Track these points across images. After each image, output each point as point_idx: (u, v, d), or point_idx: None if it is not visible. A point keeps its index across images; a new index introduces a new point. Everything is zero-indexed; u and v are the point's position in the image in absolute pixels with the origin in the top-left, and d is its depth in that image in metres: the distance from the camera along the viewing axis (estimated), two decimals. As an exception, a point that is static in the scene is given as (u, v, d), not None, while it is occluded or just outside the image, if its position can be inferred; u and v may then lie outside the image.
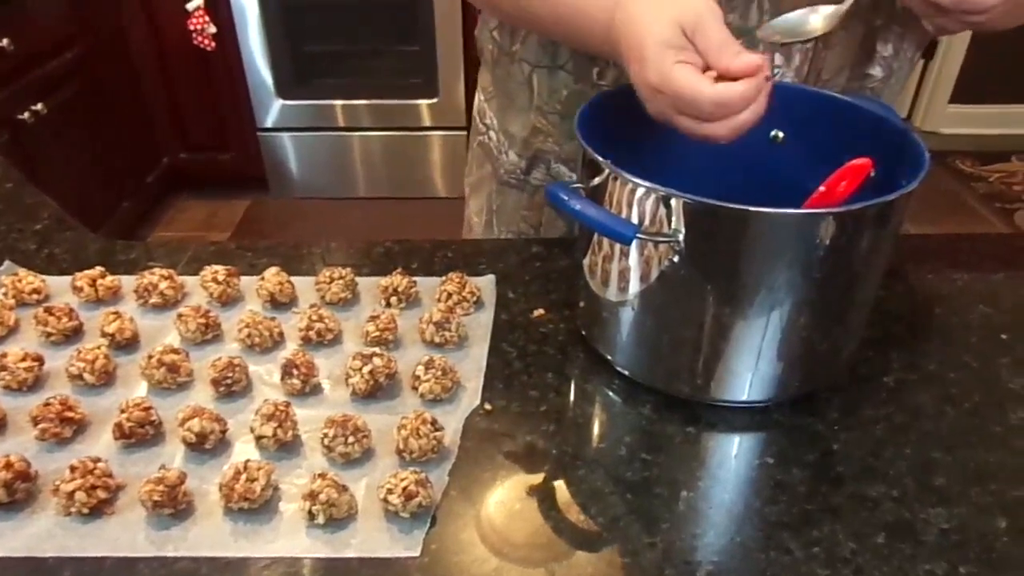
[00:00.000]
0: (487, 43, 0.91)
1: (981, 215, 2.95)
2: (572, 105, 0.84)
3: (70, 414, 0.60)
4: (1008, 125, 3.47)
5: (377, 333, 0.69)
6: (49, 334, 0.70)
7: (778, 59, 0.77)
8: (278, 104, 2.75)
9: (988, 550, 0.53)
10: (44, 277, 0.77)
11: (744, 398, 0.64)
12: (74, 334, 0.71)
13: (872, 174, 0.62)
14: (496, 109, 0.95)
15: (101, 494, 0.54)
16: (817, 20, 0.65)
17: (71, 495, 0.53)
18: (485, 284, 0.77)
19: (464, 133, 2.71)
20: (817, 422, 0.63)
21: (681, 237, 0.56)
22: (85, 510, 0.54)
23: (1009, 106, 3.46)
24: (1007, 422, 0.63)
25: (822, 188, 0.64)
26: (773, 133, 0.73)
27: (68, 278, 0.76)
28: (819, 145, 0.68)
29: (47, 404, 0.60)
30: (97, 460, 0.56)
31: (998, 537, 0.54)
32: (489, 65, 0.94)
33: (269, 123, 2.80)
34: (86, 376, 0.64)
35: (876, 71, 0.81)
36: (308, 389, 0.65)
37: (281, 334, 0.71)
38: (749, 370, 0.62)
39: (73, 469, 0.54)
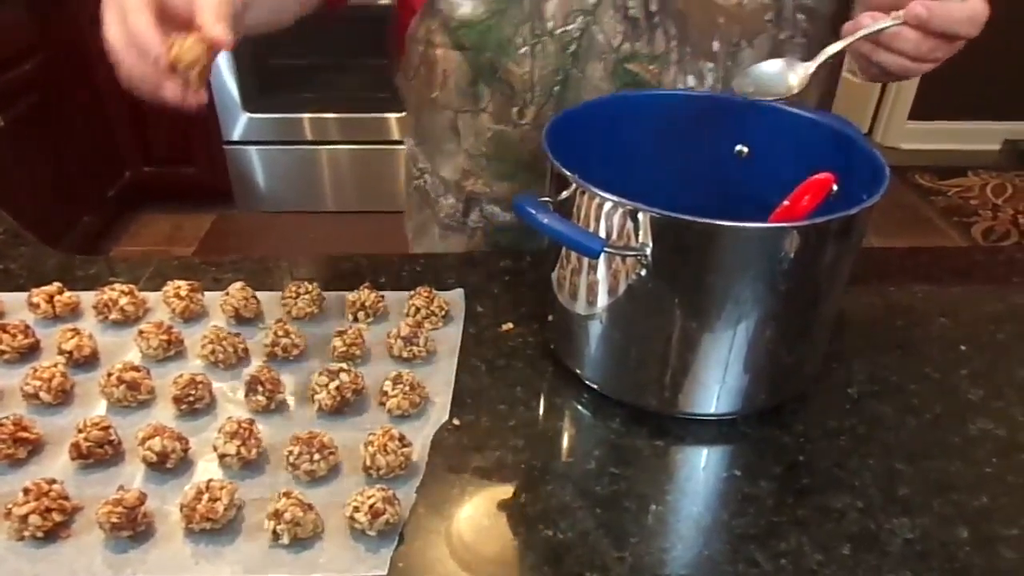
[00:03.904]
0: (408, 91, 0.91)
1: (940, 228, 3.02)
2: (497, 147, 0.85)
3: (24, 434, 0.58)
4: (965, 141, 3.57)
5: (344, 348, 0.68)
6: (3, 352, 0.68)
7: (691, 80, 0.79)
8: (244, 117, 2.73)
9: (951, 559, 0.54)
10: (-1, 293, 0.75)
11: (712, 411, 0.64)
12: (30, 352, 0.69)
13: (834, 189, 0.63)
14: (426, 154, 0.95)
15: (56, 517, 0.53)
16: (793, 78, 0.66)
17: (24, 518, 0.52)
18: (453, 298, 0.77)
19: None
20: (783, 434, 0.64)
21: (648, 251, 0.56)
22: (39, 534, 0.52)
23: (966, 123, 3.56)
24: (967, 433, 0.65)
25: (786, 203, 0.65)
26: (738, 148, 0.74)
27: (24, 294, 0.74)
28: (783, 160, 0.69)
29: (0, 424, 0.58)
30: (52, 482, 0.54)
31: (960, 547, 0.55)
32: (414, 111, 0.94)
33: (235, 136, 2.77)
34: (42, 395, 0.63)
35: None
36: (273, 406, 0.64)
37: (246, 350, 0.70)
38: (716, 383, 0.62)
39: (27, 491, 0.53)
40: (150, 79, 0.55)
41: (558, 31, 0.76)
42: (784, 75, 0.67)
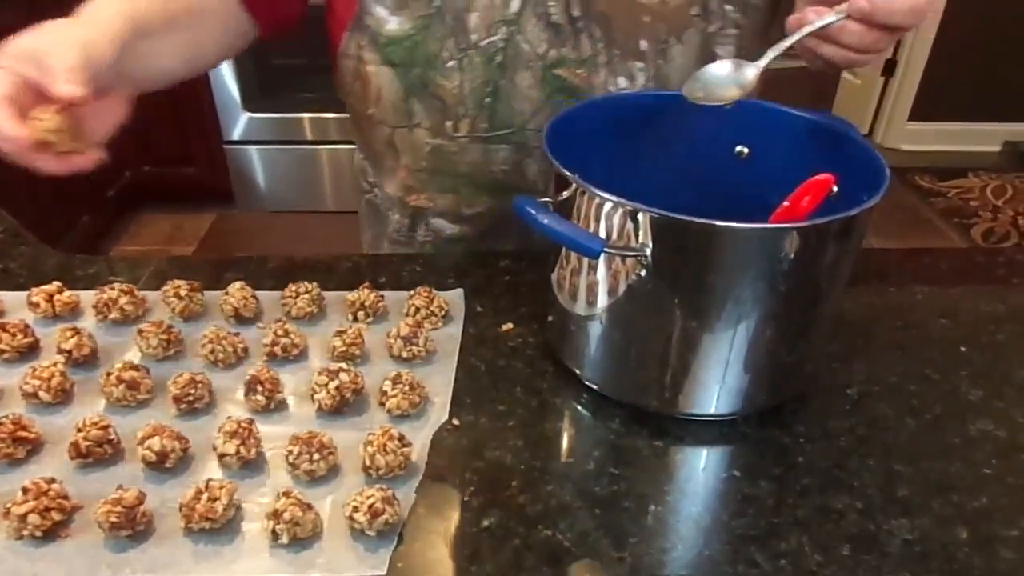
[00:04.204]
0: (347, 107, 0.90)
1: (940, 230, 3.02)
2: (435, 161, 0.85)
3: (23, 433, 0.58)
4: (965, 142, 3.57)
5: (344, 348, 0.68)
6: (2, 351, 0.68)
7: (622, 82, 0.79)
8: (245, 117, 2.73)
9: (950, 560, 0.54)
10: (-1, 292, 0.75)
11: (712, 411, 0.64)
12: (29, 351, 0.69)
13: (834, 190, 0.63)
14: (373, 168, 0.94)
15: (56, 516, 0.53)
16: (742, 80, 0.66)
17: (24, 517, 0.52)
18: (453, 298, 0.77)
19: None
20: (783, 434, 0.64)
21: (648, 251, 0.56)
22: (39, 533, 0.52)
23: (966, 124, 3.56)
24: (966, 434, 0.65)
25: (786, 203, 0.65)
26: (738, 149, 0.74)
27: (24, 293, 0.74)
28: (783, 161, 0.69)
29: (-1, 423, 0.58)
30: (52, 481, 0.54)
31: (960, 547, 0.55)
32: (356, 126, 0.93)
33: (235, 136, 2.77)
34: (41, 394, 0.63)
35: None
36: (273, 405, 0.64)
37: (246, 350, 0.70)
38: (716, 383, 0.62)
39: (26, 491, 0.53)
40: (26, 158, 0.57)
41: (483, 43, 0.76)
42: (733, 77, 0.66)
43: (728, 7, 0.78)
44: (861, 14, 0.62)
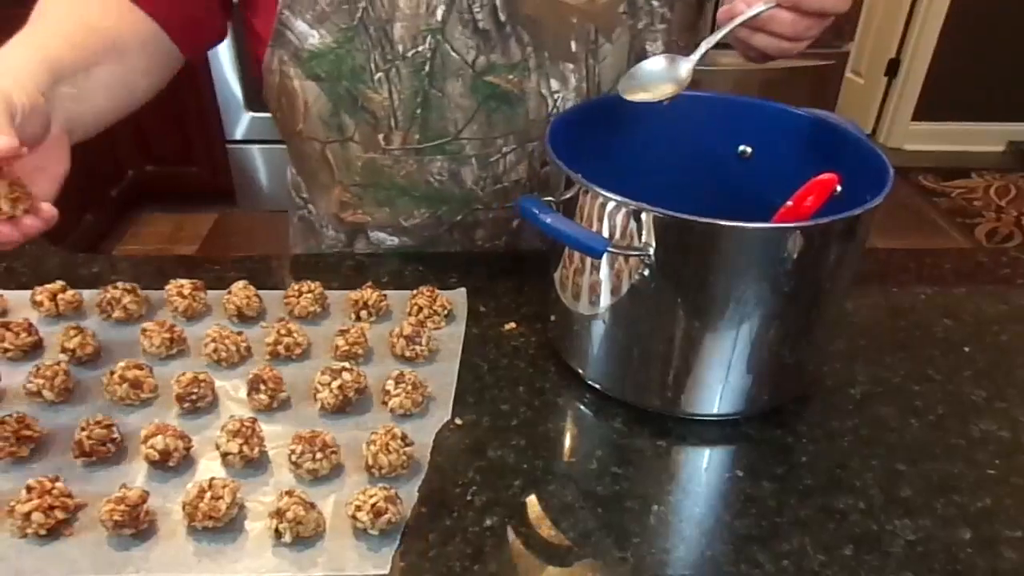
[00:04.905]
0: (277, 125, 0.87)
1: (943, 230, 3.01)
2: (370, 175, 0.82)
3: (27, 432, 0.58)
4: (968, 142, 3.57)
5: (347, 347, 0.68)
6: (6, 350, 0.68)
7: (555, 84, 0.78)
8: (247, 117, 2.73)
9: (953, 561, 0.53)
10: (2, 291, 0.75)
11: (714, 411, 0.64)
12: (33, 350, 0.69)
13: (838, 189, 0.63)
14: (306, 184, 0.92)
15: (59, 515, 0.53)
16: (677, 74, 0.66)
17: (27, 516, 0.52)
18: (456, 297, 0.77)
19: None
20: (786, 434, 0.64)
21: (651, 251, 0.56)
22: (42, 531, 0.52)
23: (970, 124, 3.56)
24: (969, 434, 0.65)
25: (789, 203, 0.65)
26: (741, 148, 0.74)
27: (27, 292, 0.74)
28: (786, 160, 0.69)
29: (3, 422, 0.58)
30: (55, 479, 0.54)
31: (962, 548, 0.54)
32: (287, 141, 0.90)
33: (238, 135, 2.78)
34: (45, 393, 0.63)
35: None
36: (276, 404, 0.64)
37: (248, 349, 0.70)
38: (719, 383, 0.62)
39: (30, 489, 0.53)
40: None
41: (409, 53, 0.74)
42: (668, 73, 0.66)
43: (655, 2, 0.78)
44: (791, 2, 0.63)
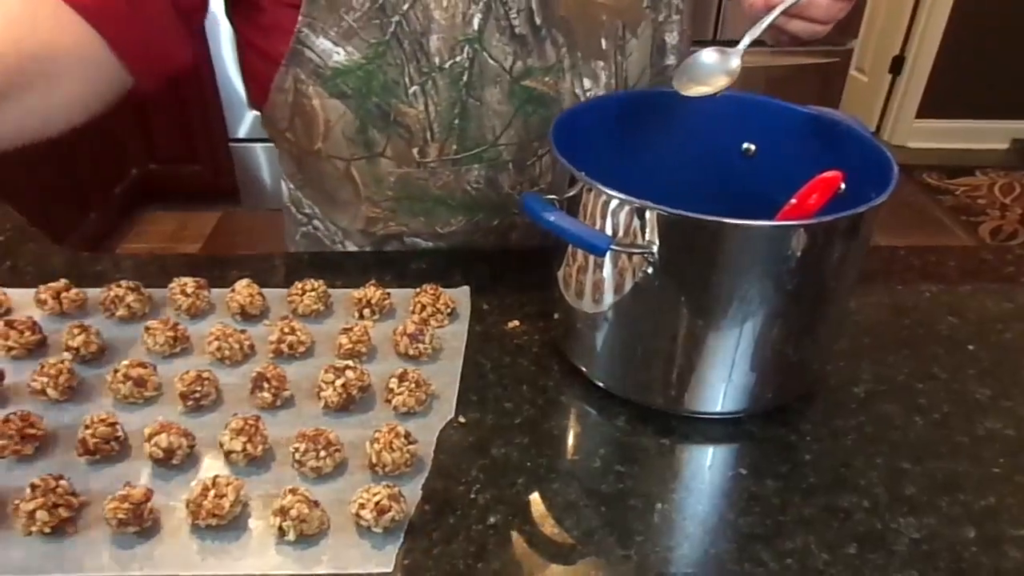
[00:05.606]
0: (282, 141, 0.85)
1: (947, 228, 3.01)
2: (404, 189, 0.81)
3: (31, 431, 0.58)
4: (972, 140, 3.56)
5: (350, 345, 0.68)
6: (10, 348, 0.68)
7: (587, 83, 0.79)
8: (250, 115, 2.73)
9: (957, 559, 0.53)
10: (6, 290, 0.75)
11: (718, 409, 0.64)
12: (37, 348, 0.69)
13: (842, 187, 0.63)
14: (315, 201, 0.90)
15: (63, 513, 0.53)
16: (728, 66, 0.66)
17: (32, 514, 0.52)
18: (460, 295, 0.77)
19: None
20: (789, 433, 0.64)
21: (655, 249, 0.56)
22: (47, 529, 0.52)
23: (974, 121, 3.55)
24: (974, 432, 0.64)
25: (793, 200, 0.65)
26: (745, 146, 0.74)
27: (31, 291, 0.75)
28: (790, 158, 0.69)
29: (7, 420, 0.58)
30: (59, 477, 0.54)
31: (967, 547, 0.54)
32: (294, 160, 0.88)
33: (241, 134, 2.78)
34: (49, 391, 0.63)
35: (671, 60, 0.85)
36: (279, 403, 0.64)
37: (252, 347, 0.70)
38: (723, 381, 0.62)
39: (34, 487, 0.53)
40: None
41: (447, 65, 0.73)
42: (721, 65, 0.66)
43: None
44: None
